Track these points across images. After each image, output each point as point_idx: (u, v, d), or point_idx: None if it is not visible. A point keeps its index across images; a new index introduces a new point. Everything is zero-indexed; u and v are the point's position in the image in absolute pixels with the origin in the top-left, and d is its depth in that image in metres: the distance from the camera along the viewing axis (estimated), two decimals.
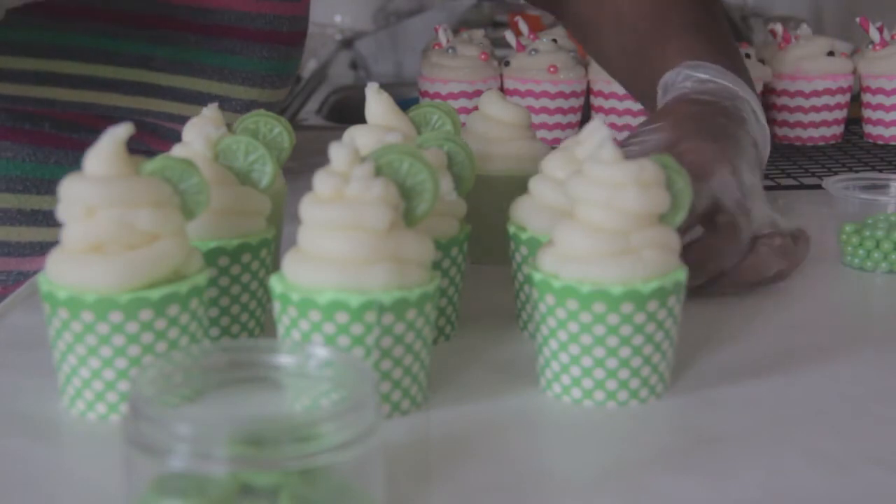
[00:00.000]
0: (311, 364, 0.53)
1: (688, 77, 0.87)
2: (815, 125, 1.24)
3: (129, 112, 0.98)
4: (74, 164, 0.97)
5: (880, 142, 1.24)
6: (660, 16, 0.96)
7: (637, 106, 1.22)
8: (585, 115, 1.26)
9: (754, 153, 0.82)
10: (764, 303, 0.79)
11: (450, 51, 1.26)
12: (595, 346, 0.61)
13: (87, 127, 0.98)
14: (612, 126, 1.23)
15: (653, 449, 0.58)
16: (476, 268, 0.82)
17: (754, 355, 0.69)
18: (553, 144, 1.18)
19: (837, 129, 1.25)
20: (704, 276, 0.75)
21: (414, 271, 0.59)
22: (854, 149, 1.23)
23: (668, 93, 0.88)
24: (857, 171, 1.11)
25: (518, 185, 0.74)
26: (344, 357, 0.53)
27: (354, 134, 0.72)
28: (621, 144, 0.79)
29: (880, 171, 1.12)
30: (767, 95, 1.25)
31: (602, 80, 1.24)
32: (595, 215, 0.61)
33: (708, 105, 0.84)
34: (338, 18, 2.39)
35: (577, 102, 1.25)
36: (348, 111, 1.65)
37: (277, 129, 0.76)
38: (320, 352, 0.53)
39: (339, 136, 0.63)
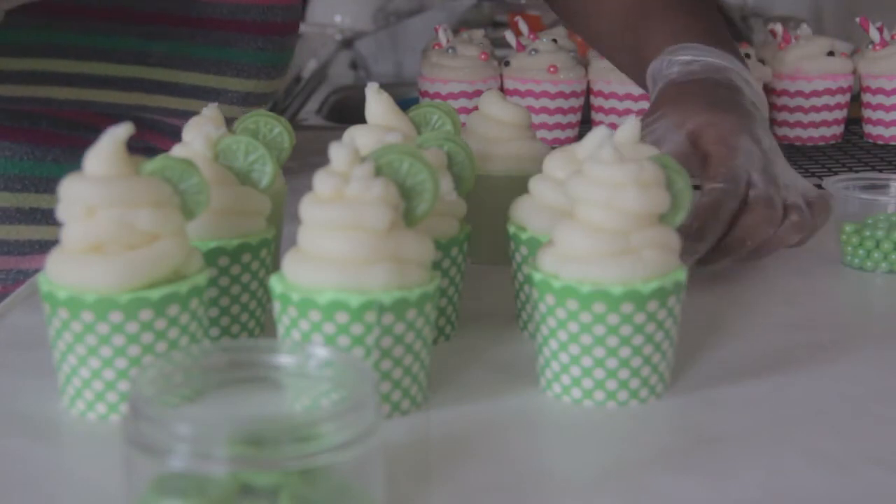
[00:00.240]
0: (311, 364, 0.53)
1: (672, 63, 0.87)
2: (815, 125, 1.24)
3: (127, 109, 0.98)
4: (73, 163, 0.97)
5: (880, 142, 1.24)
6: (639, 1, 0.97)
7: (637, 106, 1.22)
8: (585, 115, 1.26)
9: (760, 115, 0.82)
10: (764, 302, 0.79)
11: (450, 51, 1.26)
12: (595, 346, 0.61)
13: (85, 124, 0.98)
14: (613, 126, 1.23)
15: (653, 449, 0.58)
16: (476, 268, 0.82)
17: (754, 355, 0.69)
18: (553, 144, 1.18)
19: (837, 129, 1.25)
20: (744, 253, 0.76)
21: (414, 271, 0.59)
22: (854, 149, 1.23)
23: (657, 82, 0.88)
24: (856, 171, 1.11)
25: (518, 185, 0.74)
26: (344, 357, 0.53)
27: (354, 134, 0.72)
28: None
29: (880, 171, 1.12)
30: (767, 95, 1.24)
31: (602, 80, 1.24)
32: (595, 215, 0.61)
33: (700, 83, 0.84)
34: (338, 18, 2.39)
35: (577, 102, 1.25)
36: (348, 111, 1.65)
37: (277, 129, 0.76)
38: (320, 352, 0.53)
39: (339, 136, 0.63)
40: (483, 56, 1.26)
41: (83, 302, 0.58)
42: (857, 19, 1.25)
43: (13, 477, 0.55)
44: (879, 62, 1.22)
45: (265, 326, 0.72)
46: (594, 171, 0.61)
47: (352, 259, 0.58)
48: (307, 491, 0.46)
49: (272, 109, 1.51)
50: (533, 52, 1.24)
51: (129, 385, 0.50)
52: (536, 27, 1.57)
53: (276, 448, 0.45)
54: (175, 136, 1.01)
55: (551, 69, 1.23)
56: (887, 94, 1.22)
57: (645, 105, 1.19)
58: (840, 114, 1.25)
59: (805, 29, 1.29)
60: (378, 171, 0.59)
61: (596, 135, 0.67)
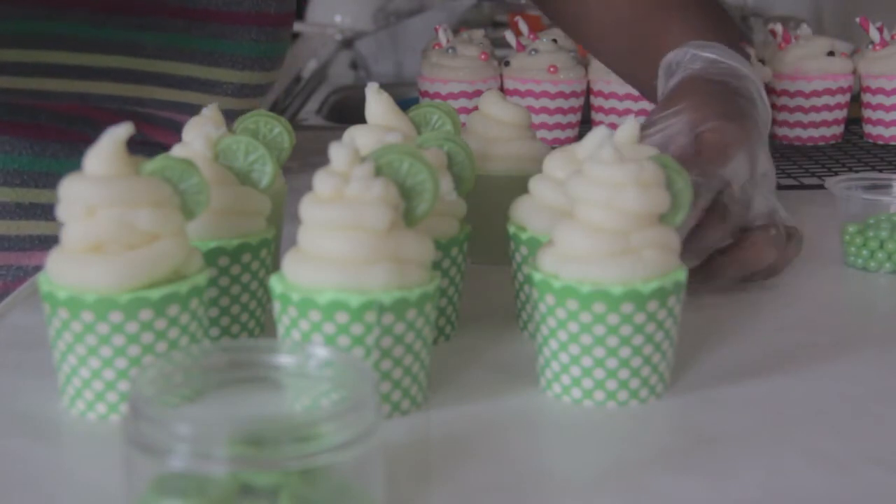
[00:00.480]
0: (311, 364, 0.53)
1: (695, 57, 0.86)
2: (815, 125, 1.24)
3: (122, 101, 0.98)
4: (71, 157, 0.98)
5: (880, 142, 1.24)
6: None
7: (637, 106, 1.22)
8: (585, 115, 1.26)
9: (765, 134, 0.82)
10: (765, 303, 0.79)
11: (450, 51, 1.26)
12: (595, 346, 0.61)
13: (83, 118, 0.98)
14: (613, 127, 1.22)
15: (653, 449, 0.58)
16: (476, 268, 0.82)
17: (754, 355, 0.69)
18: (553, 144, 1.18)
19: (837, 129, 1.25)
20: (687, 253, 0.75)
21: (414, 271, 0.59)
22: (854, 149, 1.23)
23: (675, 73, 0.86)
24: (857, 172, 1.11)
25: (518, 185, 0.74)
26: (344, 357, 0.53)
27: (354, 134, 0.72)
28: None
29: (880, 171, 1.12)
30: (767, 95, 1.24)
31: (602, 80, 1.24)
32: (595, 215, 0.61)
33: (722, 85, 0.83)
34: (338, 18, 2.39)
35: (577, 102, 1.25)
36: (348, 111, 1.65)
37: (277, 129, 0.76)
38: (320, 352, 0.53)
39: (339, 136, 0.63)
40: (483, 56, 1.26)
41: (83, 302, 0.58)
42: (857, 19, 1.25)
43: (13, 477, 0.55)
44: (879, 62, 1.22)
45: (265, 326, 0.72)
46: (594, 171, 0.61)
47: (352, 259, 0.58)
48: (307, 491, 0.46)
49: (272, 109, 1.51)
50: (533, 52, 1.24)
51: (129, 385, 0.50)
52: (536, 27, 1.57)
53: (276, 448, 0.45)
54: (171, 128, 1.01)
55: (551, 69, 1.23)
56: (887, 94, 1.22)
57: (645, 105, 1.19)
58: (840, 114, 1.25)
59: (805, 29, 1.29)
60: (378, 171, 0.59)
61: (596, 135, 0.67)
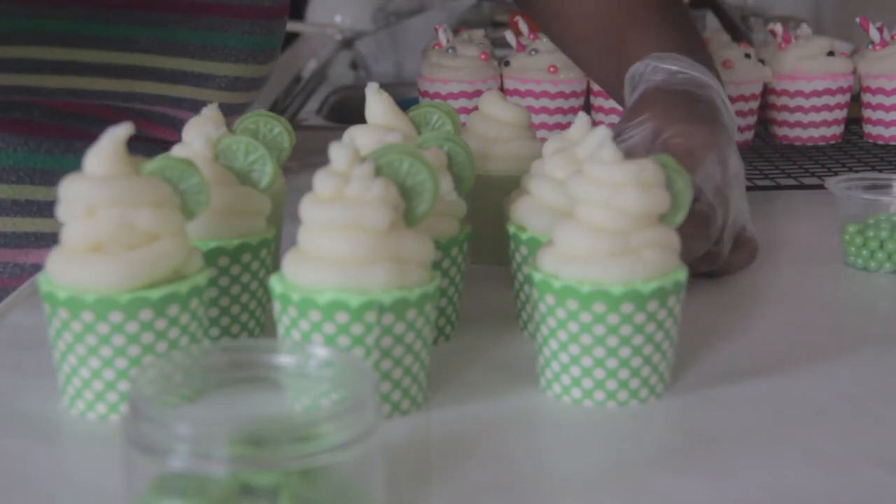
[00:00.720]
0: (311, 364, 0.53)
1: (657, 69, 0.87)
2: (815, 125, 1.24)
3: (116, 96, 0.98)
4: (67, 154, 0.98)
5: (880, 142, 1.24)
6: (623, 5, 0.96)
7: None
8: None
9: (732, 137, 0.82)
10: (765, 303, 0.79)
11: (450, 51, 1.26)
12: (595, 346, 0.61)
13: (78, 114, 0.98)
14: (612, 127, 1.23)
15: (653, 449, 0.58)
16: (476, 268, 0.82)
17: (754, 355, 0.69)
18: None
19: (837, 129, 1.25)
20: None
21: (414, 271, 0.59)
22: (854, 149, 1.23)
23: (638, 86, 0.87)
24: (857, 172, 1.11)
25: (518, 186, 0.74)
26: (344, 357, 0.53)
27: (354, 134, 0.72)
28: None
29: (880, 171, 1.12)
30: (767, 95, 1.25)
31: None
32: (595, 215, 0.61)
33: (684, 94, 0.84)
34: (338, 18, 2.39)
35: (577, 102, 1.25)
36: (348, 111, 1.65)
37: (277, 129, 0.76)
38: (320, 352, 0.53)
39: (339, 136, 0.63)
40: (483, 56, 1.26)
41: (83, 302, 0.58)
42: (857, 19, 1.25)
43: (13, 477, 0.55)
44: (879, 62, 1.22)
45: (265, 326, 0.72)
46: (594, 171, 0.61)
47: (352, 259, 0.58)
48: (307, 491, 0.46)
49: (272, 109, 1.51)
50: (533, 52, 1.24)
51: (129, 385, 0.50)
52: (536, 27, 1.57)
53: (276, 448, 0.45)
54: (165, 122, 1.01)
55: (551, 69, 1.23)
56: (887, 94, 1.22)
57: None
58: (840, 114, 1.25)
59: (805, 29, 1.29)
60: (378, 171, 0.59)
61: (596, 135, 0.67)
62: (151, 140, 1.00)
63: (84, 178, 0.59)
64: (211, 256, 0.67)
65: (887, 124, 1.23)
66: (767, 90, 1.24)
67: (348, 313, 0.58)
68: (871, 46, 1.24)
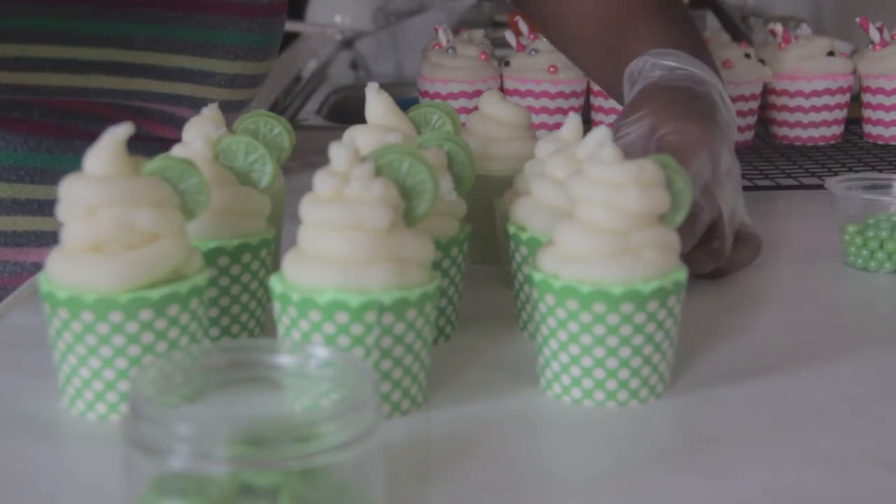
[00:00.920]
0: (311, 364, 0.53)
1: (655, 66, 0.87)
2: (815, 125, 1.24)
3: (116, 94, 0.98)
4: (67, 153, 0.98)
5: (880, 142, 1.24)
6: (622, 5, 0.96)
7: None
8: (585, 115, 1.26)
9: (729, 135, 0.82)
10: (765, 303, 0.79)
11: (450, 51, 1.26)
12: (595, 346, 0.61)
13: (78, 113, 0.98)
14: (613, 127, 1.23)
15: (653, 449, 0.58)
16: (476, 268, 0.82)
17: (754, 355, 0.69)
18: None
19: (837, 129, 1.25)
20: None
21: (414, 271, 0.59)
22: (854, 149, 1.23)
23: (637, 82, 0.87)
24: (857, 172, 1.11)
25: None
26: (344, 357, 0.53)
27: (354, 134, 0.72)
28: None
29: (880, 171, 1.12)
30: (767, 95, 1.25)
31: None
32: (595, 215, 0.61)
33: (683, 90, 0.84)
34: (338, 18, 2.39)
35: (577, 102, 1.25)
36: (348, 111, 1.65)
37: (277, 129, 0.76)
38: (320, 352, 0.53)
39: (339, 136, 0.63)
40: (483, 56, 1.26)
41: (83, 302, 0.58)
42: (857, 19, 1.25)
43: (13, 477, 0.55)
44: (879, 62, 1.22)
45: (265, 326, 0.72)
46: (594, 171, 0.61)
47: (352, 259, 0.58)
48: (307, 491, 0.46)
49: (272, 109, 1.51)
50: (533, 52, 1.24)
51: (129, 385, 0.50)
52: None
53: (276, 448, 0.45)
54: (165, 120, 1.01)
55: (551, 69, 1.23)
56: (887, 94, 1.22)
57: None
58: (840, 114, 1.25)
59: (805, 29, 1.29)
60: (378, 171, 0.59)
61: (596, 135, 0.67)
62: (151, 139, 1.00)
63: (84, 178, 0.59)
64: (211, 256, 0.67)
65: (887, 124, 1.23)
66: (767, 90, 1.24)
67: (348, 313, 0.58)
68: (871, 46, 1.24)
